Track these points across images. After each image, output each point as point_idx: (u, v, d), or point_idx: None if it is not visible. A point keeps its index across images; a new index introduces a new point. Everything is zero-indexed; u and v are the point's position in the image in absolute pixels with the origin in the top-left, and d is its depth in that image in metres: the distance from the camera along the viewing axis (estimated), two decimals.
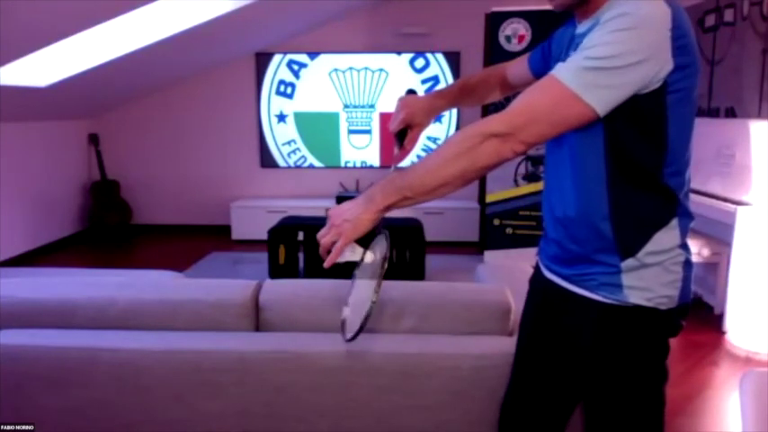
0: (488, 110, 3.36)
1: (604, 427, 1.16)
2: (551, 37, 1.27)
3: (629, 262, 1.07)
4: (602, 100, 0.96)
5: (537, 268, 1.30)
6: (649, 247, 1.06)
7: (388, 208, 1.05)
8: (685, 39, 0.97)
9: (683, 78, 0.98)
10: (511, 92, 1.46)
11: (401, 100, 1.37)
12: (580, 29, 1.09)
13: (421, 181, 1.03)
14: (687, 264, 1.10)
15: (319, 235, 1.09)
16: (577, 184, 1.11)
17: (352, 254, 1.07)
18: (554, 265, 1.20)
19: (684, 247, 1.10)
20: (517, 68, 1.41)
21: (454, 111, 5.52)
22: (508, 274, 2.20)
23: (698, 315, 3.52)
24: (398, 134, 1.33)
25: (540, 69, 1.29)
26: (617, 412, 1.14)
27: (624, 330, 1.10)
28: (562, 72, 0.97)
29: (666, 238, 1.07)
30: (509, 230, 4.47)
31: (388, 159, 5.77)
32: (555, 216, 1.18)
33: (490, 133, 0.99)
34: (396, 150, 1.33)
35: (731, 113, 3.51)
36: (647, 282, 1.07)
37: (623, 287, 1.07)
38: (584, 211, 1.10)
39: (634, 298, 1.07)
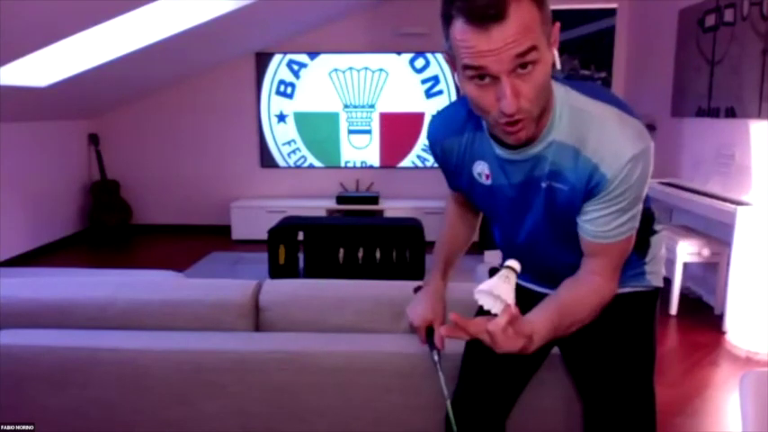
0: None
1: (607, 406, 1.22)
2: (440, 155, 1.23)
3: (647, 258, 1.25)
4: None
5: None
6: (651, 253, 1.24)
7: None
8: None
9: None
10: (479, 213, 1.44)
11: (410, 309, 1.32)
12: (513, 154, 1.06)
13: (563, 333, 1.09)
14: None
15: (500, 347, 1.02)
16: (573, 255, 1.14)
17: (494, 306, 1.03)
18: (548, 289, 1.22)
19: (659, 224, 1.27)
20: (461, 197, 1.40)
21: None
22: None
23: (698, 315, 3.52)
24: (426, 333, 1.29)
25: (463, 187, 1.25)
26: (628, 389, 1.22)
27: (639, 311, 1.26)
28: (627, 226, 1.07)
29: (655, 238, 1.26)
30: None
31: (387, 159, 5.77)
32: (546, 271, 1.25)
33: (611, 296, 1.10)
34: (431, 351, 1.28)
35: (731, 113, 3.51)
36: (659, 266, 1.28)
37: (645, 274, 1.24)
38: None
39: (654, 281, 1.25)
